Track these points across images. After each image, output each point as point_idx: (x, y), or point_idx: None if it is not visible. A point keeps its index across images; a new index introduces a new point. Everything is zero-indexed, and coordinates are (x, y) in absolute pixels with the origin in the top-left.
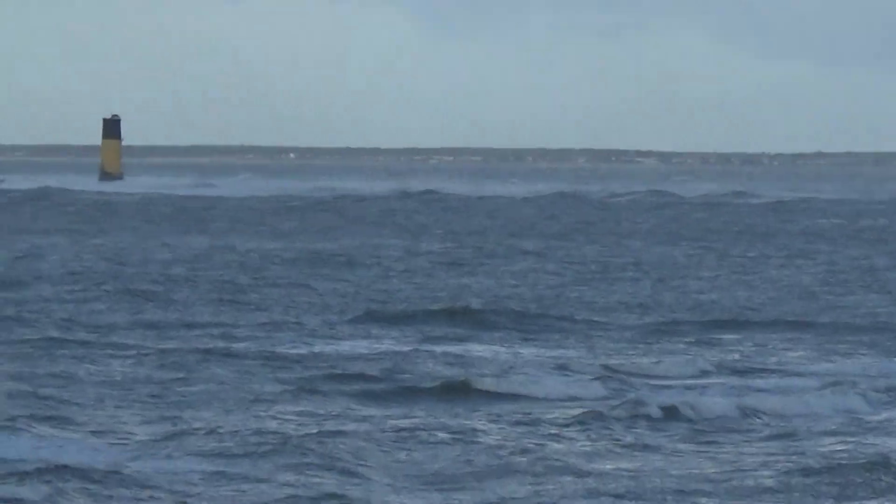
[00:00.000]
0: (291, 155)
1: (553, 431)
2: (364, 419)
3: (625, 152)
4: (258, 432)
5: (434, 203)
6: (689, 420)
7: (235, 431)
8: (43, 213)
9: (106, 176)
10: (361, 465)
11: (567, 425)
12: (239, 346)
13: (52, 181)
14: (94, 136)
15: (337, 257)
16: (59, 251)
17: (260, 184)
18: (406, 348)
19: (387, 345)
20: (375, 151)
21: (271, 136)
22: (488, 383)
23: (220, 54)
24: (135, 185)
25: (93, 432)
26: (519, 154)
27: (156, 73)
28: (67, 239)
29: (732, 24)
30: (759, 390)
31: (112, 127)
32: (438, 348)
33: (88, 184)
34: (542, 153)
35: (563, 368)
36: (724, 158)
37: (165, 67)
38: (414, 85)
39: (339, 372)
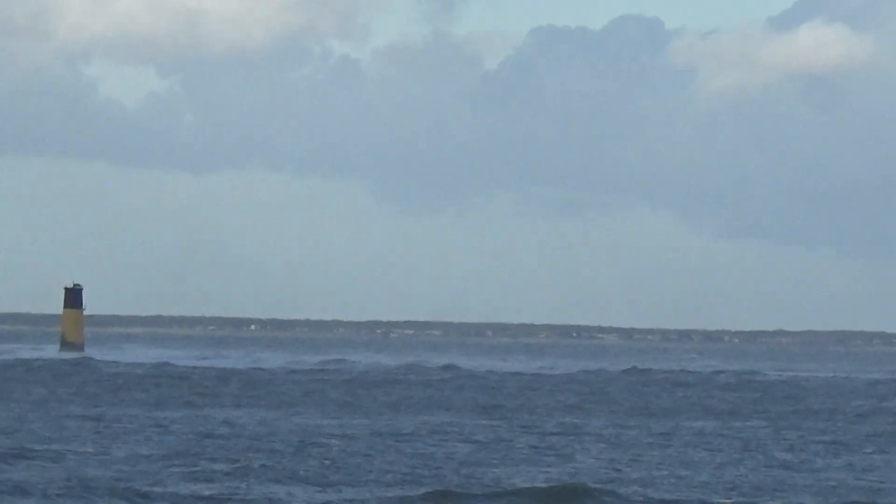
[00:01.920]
0: (252, 326)
1: None
2: None
3: (586, 328)
4: None
5: (469, 379)
6: None
7: None
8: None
9: (67, 346)
10: None
11: None
12: None
13: (12, 350)
14: (56, 306)
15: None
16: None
17: (266, 355)
18: None
19: None
20: (336, 323)
21: (233, 307)
22: None
23: (182, 225)
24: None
25: None
26: (479, 329)
27: (118, 242)
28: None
29: (692, 203)
30: None
31: (73, 296)
32: None
33: (53, 353)
34: (503, 328)
35: None
36: (685, 335)
37: (127, 236)
38: (376, 259)
39: None
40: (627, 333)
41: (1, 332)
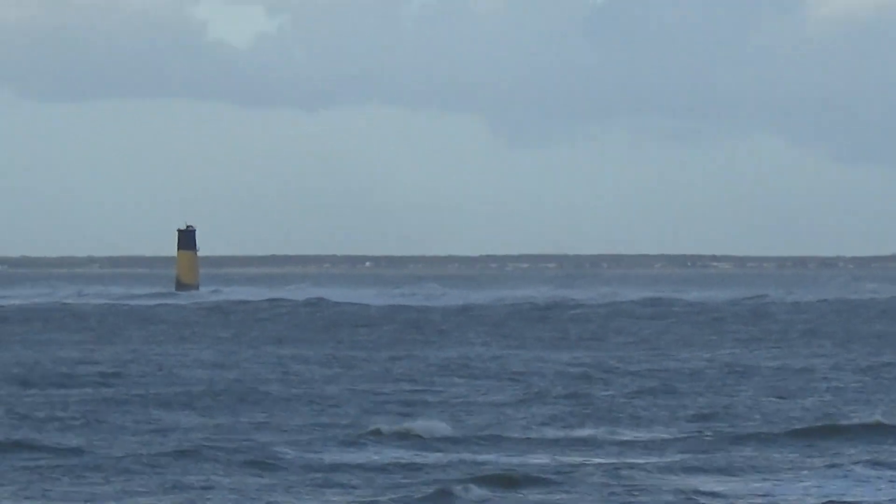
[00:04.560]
0: (367, 263)
1: None
2: None
3: (700, 257)
4: None
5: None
6: None
7: None
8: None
9: (182, 286)
10: None
11: None
12: None
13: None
14: (170, 247)
15: None
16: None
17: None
18: None
19: None
20: (450, 259)
21: (347, 245)
22: None
23: (295, 164)
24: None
25: None
26: (594, 260)
27: (231, 182)
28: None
29: (806, 129)
30: None
31: (187, 237)
32: None
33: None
34: (617, 259)
35: None
36: (801, 262)
37: (241, 177)
38: (489, 192)
39: None
40: (741, 262)
41: (116, 275)
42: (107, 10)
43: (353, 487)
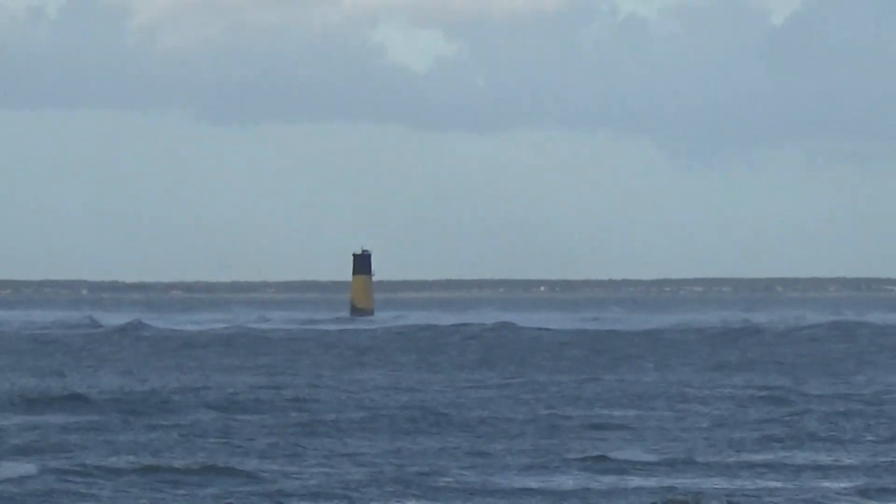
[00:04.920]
0: (542, 288)
1: None
2: None
3: (875, 280)
4: None
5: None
6: None
7: None
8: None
9: (357, 311)
10: None
11: None
12: None
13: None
14: (345, 272)
15: None
16: None
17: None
18: None
19: None
20: (624, 283)
21: (521, 269)
22: None
23: (469, 187)
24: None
25: None
26: (769, 284)
27: (406, 206)
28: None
29: None
30: None
31: (362, 262)
32: None
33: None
34: (792, 282)
35: None
36: None
37: (416, 201)
38: (663, 215)
39: None
40: None
41: (290, 300)
42: (286, 34)
43: None
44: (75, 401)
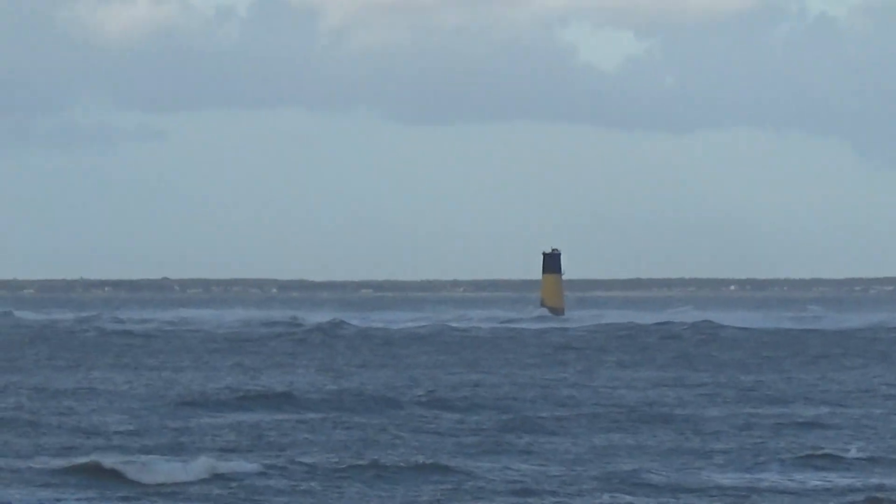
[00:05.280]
0: (732, 287)
1: None
2: None
3: None
4: None
5: None
6: None
7: None
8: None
9: (549, 311)
10: None
11: None
12: None
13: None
14: (535, 271)
15: None
16: None
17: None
18: None
19: None
20: (813, 282)
21: (711, 269)
22: None
23: (660, 186)
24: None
25: None
26: None
27: (594, 205)
28: None
29: None
30: None
31: (552, 261)
32: None
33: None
34: None
35: None
36: None
37: (605, 200)
38: (853, 214)
39: None
40: None
41: (480, 299)
42: (477, 35)
43: None
44: (285, 399)
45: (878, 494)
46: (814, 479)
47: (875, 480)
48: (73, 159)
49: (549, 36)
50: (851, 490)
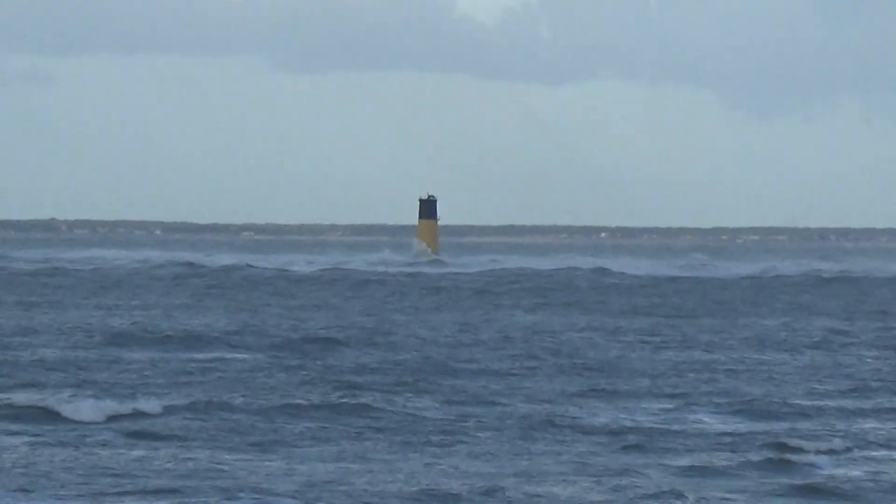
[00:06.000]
0: (602, 234)
1: None
2: None
3: None
4: None
5: None
6: None
7: None
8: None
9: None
10: None
11: None
12: None
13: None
14: (412, 217)
15: None
16: None
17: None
18: None
19: None
20: (681, 231)
21: (583, 217)
22: None
23: (534, 137)
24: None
25: None
26: (822, 233)
27: (472, 153)
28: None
29: None
30: None
31: (428, 207)
32: None
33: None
34: (844, 232)
35: None
36: None
37: (482, 149)
38: (720, 165)
39: None
40: None
41: (358, 243)
42: None
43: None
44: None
45: (785, 440)
46: (720, 424)
47: (785, 425)
48: None
49: None
50: (759, 433)
